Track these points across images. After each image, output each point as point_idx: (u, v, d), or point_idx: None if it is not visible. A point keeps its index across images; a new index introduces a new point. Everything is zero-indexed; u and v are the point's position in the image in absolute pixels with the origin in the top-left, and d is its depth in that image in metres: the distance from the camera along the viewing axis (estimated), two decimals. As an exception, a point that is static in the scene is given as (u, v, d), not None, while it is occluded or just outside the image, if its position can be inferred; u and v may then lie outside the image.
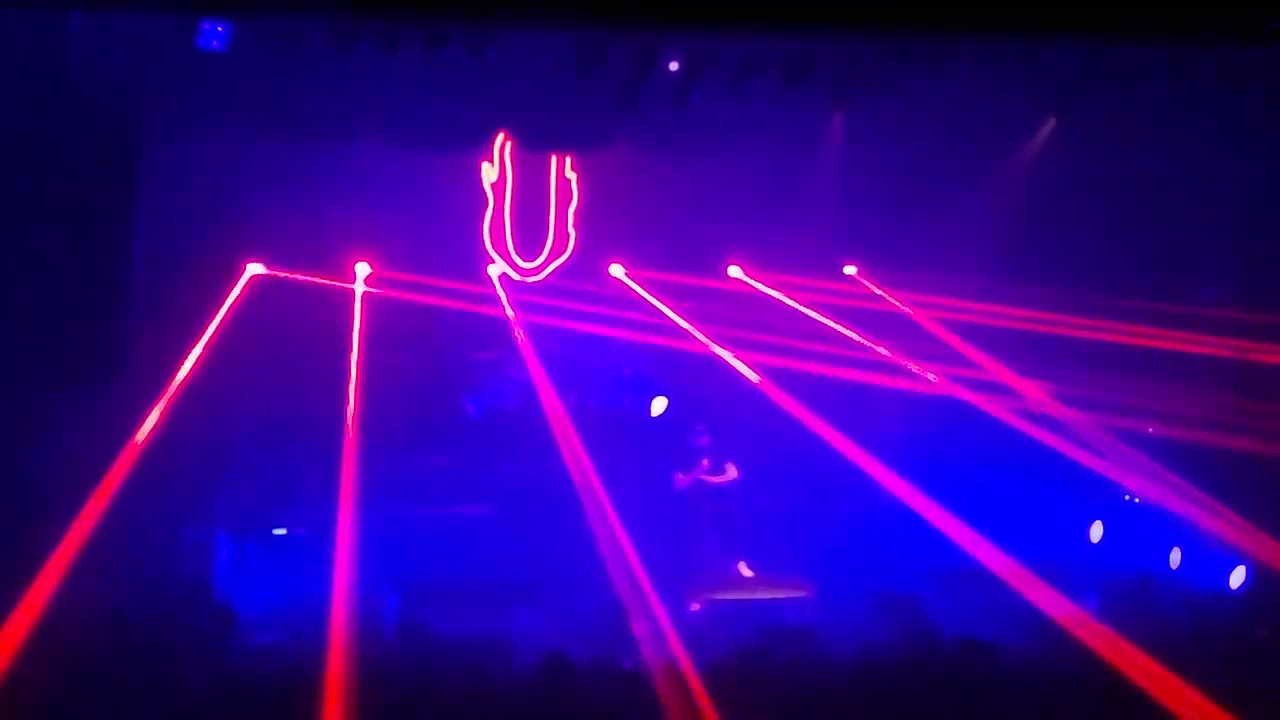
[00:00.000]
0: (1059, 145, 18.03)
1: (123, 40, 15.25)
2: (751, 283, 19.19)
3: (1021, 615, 13.56)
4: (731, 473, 17.34)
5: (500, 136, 18.55)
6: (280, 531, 16.25)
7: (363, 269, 18.24)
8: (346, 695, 11.06)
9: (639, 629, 12.91)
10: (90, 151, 15.66)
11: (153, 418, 15.42)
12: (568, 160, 18.92)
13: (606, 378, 18.69)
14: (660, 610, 13.09)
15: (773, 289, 19.07)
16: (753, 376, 17.47)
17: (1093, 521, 17.43)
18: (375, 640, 13.33)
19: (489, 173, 18.70)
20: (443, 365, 18.25)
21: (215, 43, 15.07)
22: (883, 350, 18.13)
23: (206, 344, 16.76)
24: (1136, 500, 17.12)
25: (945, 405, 17.50)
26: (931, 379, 17.74)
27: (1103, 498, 17.24)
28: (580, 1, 10.74)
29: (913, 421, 17.64)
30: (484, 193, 18.71)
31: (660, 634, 12.55)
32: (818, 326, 18.48)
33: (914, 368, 17.93)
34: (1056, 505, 17.11)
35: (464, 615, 14.35)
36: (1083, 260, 18.23)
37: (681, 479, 17.17)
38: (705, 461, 17.23)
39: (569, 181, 18.92)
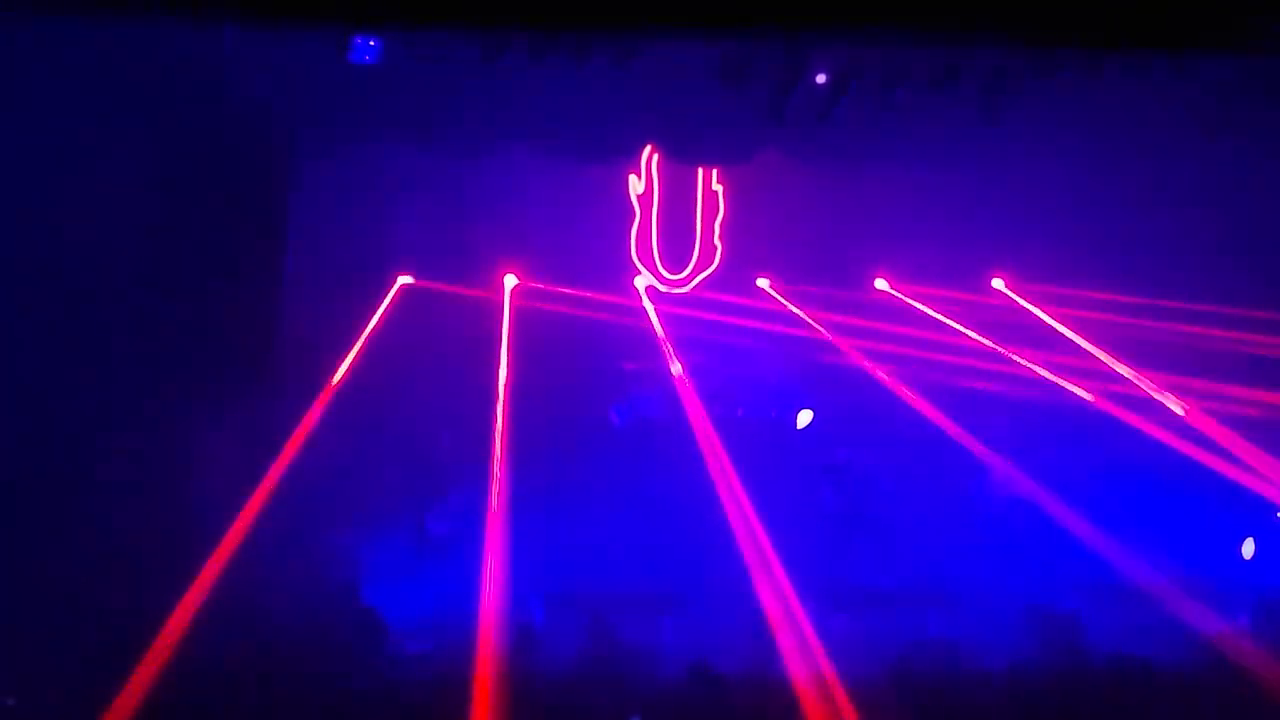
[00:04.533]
0: (1210, 158, 17.74)
1: (276, 55, 15.47)
2: (898, 295, 19.08)
3: (1173, 631, 13.40)
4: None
5: (647, 149, 18.58)
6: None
7: (510, 280, 18.38)
8: (495, 705, 11.14)
9: (784, 640, 12.89)
10: (244, 166, 15.94)
11: (304, 427, 15.65)
12: (714, 173, 18.92)
13: (752, 389, 18.64)
14: (806, 622, 13.06)
15: (919, 301, 18.95)
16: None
17: (1245, 538, 17.15)
18: (522, 649, 13.41)
19: (636, 185, 18.74)
20: (589, 376, 18.26)
21: (367, 56, 15.23)
22: (1031, 364, 17.96)
23: (357, 354, 17.00)
24: (1290, 517, 16.86)
25: (1095, 419, 17.32)
26: (1088, 397, 17.54)
27: (1255, 514, 16.96)
28: (726, 9, 10.72)
29: (1062, 435, 17.41)
30: (631, 205, 18.77)
31: (806, 645, 12.52)
32: (965, 339, 18.34)
33: (1064, 382, 17.74)
34: (1208, 521, 16.84)
35: (610, 625, 14.41)
36: (1235, 272, 17.95)
37: (833, 497, 17.21)
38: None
39: (715, 194, 18.92)
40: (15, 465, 13.49)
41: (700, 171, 18.91)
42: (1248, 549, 17.13)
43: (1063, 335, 18.43)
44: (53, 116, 13.42)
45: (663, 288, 18.84)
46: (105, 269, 14.51)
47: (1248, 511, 16.92)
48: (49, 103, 13.40)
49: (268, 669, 11.91)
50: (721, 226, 18.91)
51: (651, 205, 18.82)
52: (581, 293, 18.27)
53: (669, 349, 18.11)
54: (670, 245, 18.89)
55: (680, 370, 17.70)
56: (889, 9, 10.08)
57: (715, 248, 18.90)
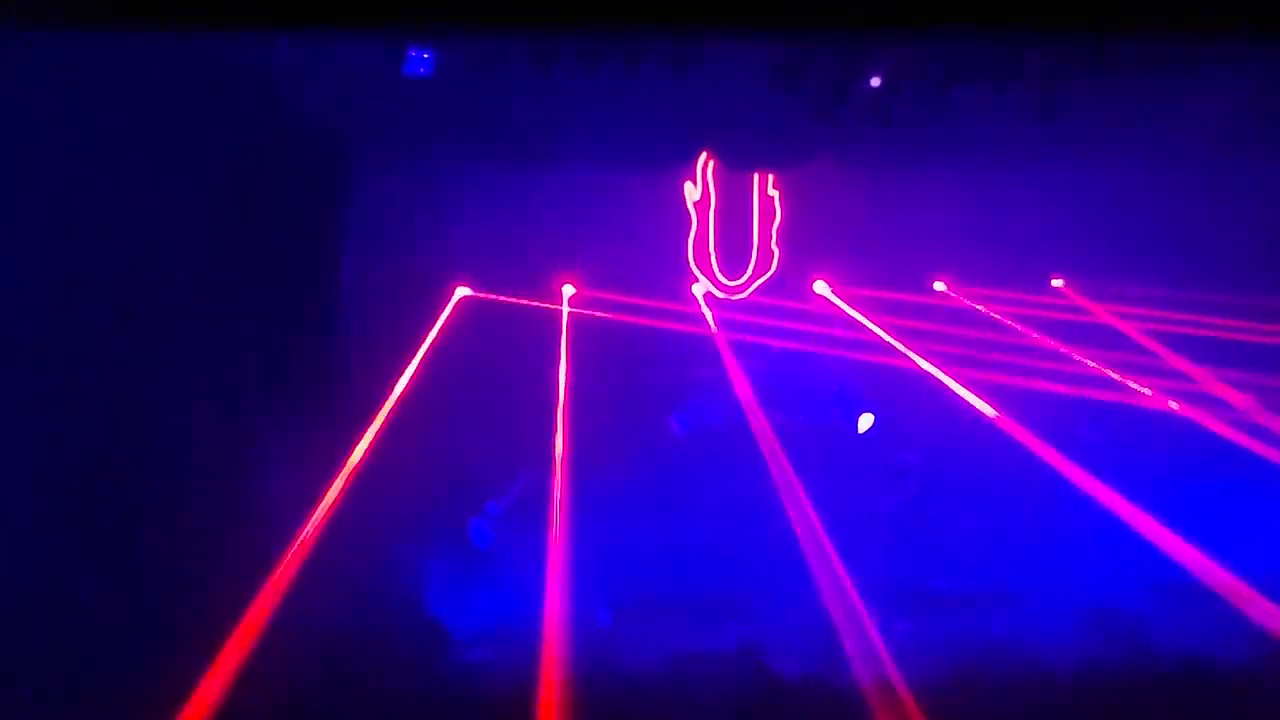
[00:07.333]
0: (1271, 153, 17.58)
1: (331, 70, 15.55)
2: (957, 297, 19.02)
3: (1238, 630, 13.31)
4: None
5: (703, 156, 18.60)
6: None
7: (568, 289, 18.43)
8: (560, 712, 11.16)
9: (849, 644, 12.86)
10: (301, 180, 16.03)
11: (367, 438, 15.71)
12: (770, 178, 18.91)
13: (812, 394, 18.60)
14: (870, 625, 13.03)
15: (979, 303, 18.89)
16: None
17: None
18: (586, 656, 13.41)
19: (692, 192, 18.75)
20: (649, 384, 18.27)
21: (421, 69, 15.28)
22: (1092, 363, 17.87)
23: (418, 366, 17.07)
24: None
25: (1157, 417, 17.22)
26: (1147, 392, 17.42)
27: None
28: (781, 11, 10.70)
29: (1125, 434, 17.32)
30: (687, 212, 18.77)
31: (871, 648, 12.49)
32: (1025, 340, 18.27)
33: (1128, 380, 17.64)
34: (1273, 518, 16.70)
35: (674, 631, 14.41)
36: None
37: (895, 499, 17.19)
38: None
39: (771, 199, 18.91)
40: (75, 478, 13.59)
41: (756, 177, 18.90)
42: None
43: (1124, 334, 18.34)
44: (113, 131, 13.52)
45: (720, 294, 18.85)
46: (165, 282, 14.59)
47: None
48: (109, 118, 13.50)
49: (333, 679, 11.96)
50: (778, 232, 18.90)
51: (708, 212, 18.83)
52: (639, 300, 18.29)
53: (728, 355, 18.10)
54: (727, 252, 18.89)
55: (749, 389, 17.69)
56: (945, 7, 10.06)
57: (772, 253, 18.89)
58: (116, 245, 13.86)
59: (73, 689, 11.82)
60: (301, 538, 13.81)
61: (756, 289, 18.90)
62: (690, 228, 18.80)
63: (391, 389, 16.71)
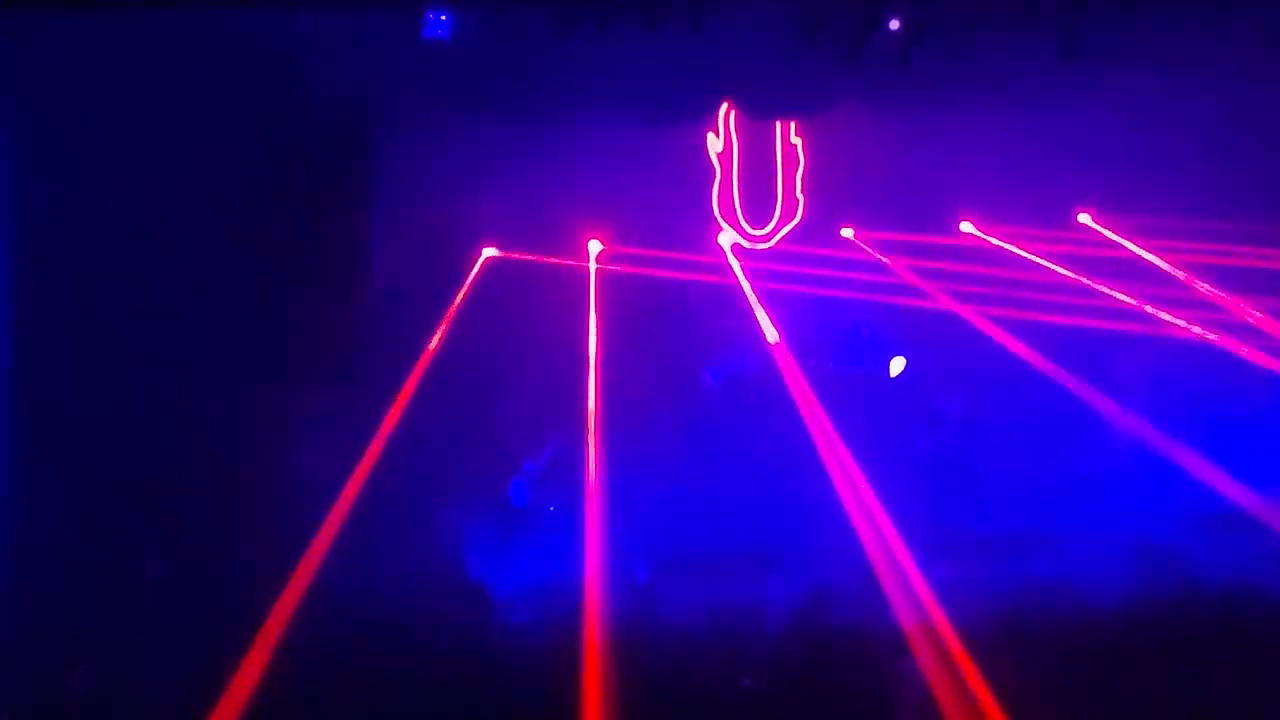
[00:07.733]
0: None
1: (351, 35, 15.52)
2: (984, 237, 18.94)
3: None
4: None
5: (724, 106, 18.53)
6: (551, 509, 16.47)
7: (595, 246, 18.38)
8: (605, 670, 11.17)
9: (891, 591, 12.84)
10: (325, 148, 16.03)
11: (400, 403, 15.72)
12: (792, 126, 18.84)
13: (843, 341, 18.56)
14: (913, 571, 13.01)
15: (1006, 242, 18.81)
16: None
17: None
18: (629, 614, 13.43)
19: (714, 143, 18.69)
20: (679, 337, 18.24)
21: (440, 32, 15.23)
22: (1124, 297, 17.80)
23: (447, 328, 17.07)
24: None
25: (1193, 349, 17.14)
26: (1196, 329, 17.33)
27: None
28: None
29: (1160, 366, 17.27)
30: (711, 163, 18.71)
31: (915, 594, 12.48)
32: (1056, 277, 18.20)
33: (1164, 314, 17.56)
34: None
35: (715, 586, 14.40)
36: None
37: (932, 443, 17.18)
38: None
39: (795, 147, 18.84)
40: (116, 445, 13.68)
41: (779, 125, 18.82)
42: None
43: (1155, 266, 18.25)
44: (134, 108, 13.55)
45: (747, 244, 18.79)
46: (194, 255, 14.63)
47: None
48: (129, 95, 13.52)
49: (376, 644, 12.00)
50: (803, 179, 18.83)
51: (732, 162, 18.76)
52: (666, 254, 18.25)
53: (757, 305, 18.06)
54: (752, 201, 18.83)
55: (777, 337, 17.63)
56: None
57: (798, 201, 18.82)
58: (144, 219, 13.91)
59: (125, 659, 11.94)
60: (339, 504, 13.83)
61: (783, 237, 18.84)
62: (714, 179, 18.75)
63: (422, 353, 16.71)
